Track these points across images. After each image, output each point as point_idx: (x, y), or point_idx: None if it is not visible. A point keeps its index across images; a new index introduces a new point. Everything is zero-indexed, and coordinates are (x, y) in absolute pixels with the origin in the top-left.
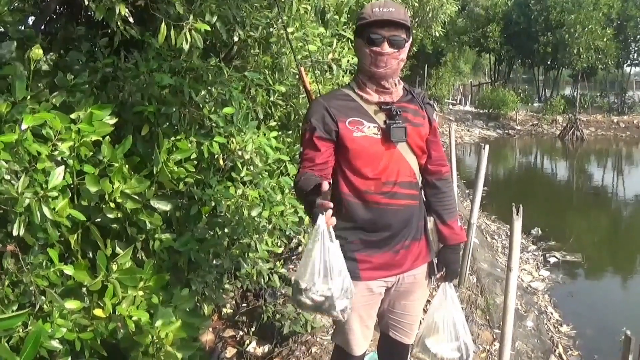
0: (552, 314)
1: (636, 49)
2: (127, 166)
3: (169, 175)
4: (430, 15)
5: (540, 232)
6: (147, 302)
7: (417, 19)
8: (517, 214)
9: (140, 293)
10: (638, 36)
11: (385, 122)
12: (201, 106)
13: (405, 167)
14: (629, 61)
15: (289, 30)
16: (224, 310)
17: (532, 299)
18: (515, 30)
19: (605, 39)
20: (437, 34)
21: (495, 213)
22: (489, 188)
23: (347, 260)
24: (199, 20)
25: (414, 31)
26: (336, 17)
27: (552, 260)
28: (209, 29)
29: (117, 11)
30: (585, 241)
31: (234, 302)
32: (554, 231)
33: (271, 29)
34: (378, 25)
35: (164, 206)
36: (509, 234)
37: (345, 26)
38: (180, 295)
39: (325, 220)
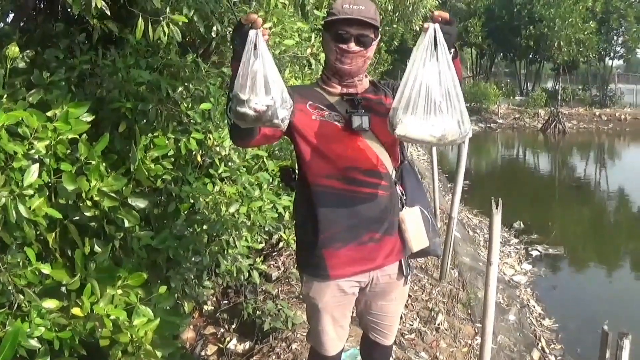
0: (534, 307)
1: (619, 41)
2: (104, 164)
3: (146, 173)
4: (410, 9)
5: (522, 225)
6: (126, 300)
7: (397, 13)
8: (497, 208)
9: (119, 291)
10: (621, 29)
11: (347, 110)
12: (179, 102)
13: (372, 156)
14: (611, 54)
15: (267, 25)
16: (205, 307)
17: (514, 292)
18: (497, 24)
19: (586, 32)
20: (418, 28)
21: (477, 207)
22: (470, 182)
23: (314, 258)
24: (177, 13)
25: (395, 26)
26: (316, 11)
27: (535, 253)
28: (186, 20)
29: (94, 5)
30: (567, 234)
31: (214, 299)
32: (536, 224)
33: None
34: (346, 23)
35: (141, 204)
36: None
37: (324, 21)
38: (159, 293)
39: (258, 28)
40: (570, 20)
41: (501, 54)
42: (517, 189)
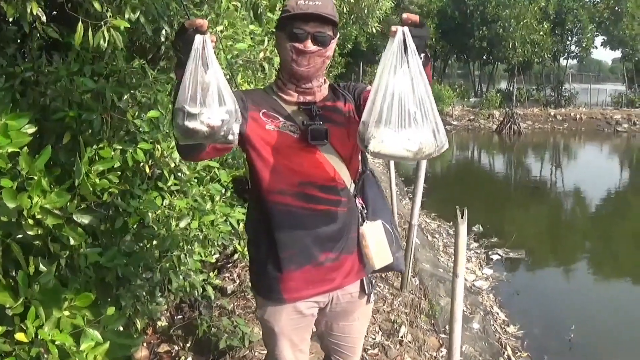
0: (498, 314)
1: (573, 41)
2: (47, 179)
3: (91, 188)
4: (366, 11)
5: (481, 228)
6: (73, 322)
7: (352, 16)
8: (462, 217)
9: (66, 313)
10: (575, 29)
11: (303, 122)
12: (125, 111)
13: (329, 170)
14: (565, 54)
15: (218, 28)
16: (159, 323)
17: (476, 299)
18: (450, 25)
19: (541, 33)
20: (373, 31)
21: (434, 210)
22: (427, 185)
23: (267, 280)
24: (119, 17)
25: (349, 28)
26: (270, 14)
27: (495, 257)
28: (128, 25)
29: (29, 10)
30: (527, 237)
31: (168, 314)
32: (495, 227)
33: None
34: (302, 20)
35: (87, 220)
36: (450, 233)
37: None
38: (108, 314)
39: (204, 33)
40: (525, 21)
41: (454, 56)
42: (475, 192)
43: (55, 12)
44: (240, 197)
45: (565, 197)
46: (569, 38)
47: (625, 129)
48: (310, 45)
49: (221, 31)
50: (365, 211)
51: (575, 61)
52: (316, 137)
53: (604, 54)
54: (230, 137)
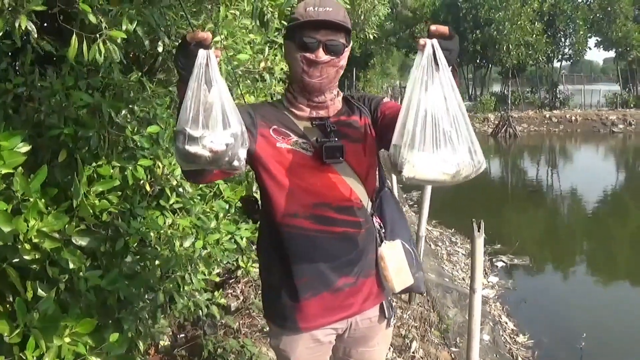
0: (506, 323)
1: (567, 43)
2: (43, 200)
3: (90, 210)
4: (362, 17)
5: (484, 235)
6: (75, 350)
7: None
8: (479, 231)
9: (67, 340)
10: (569, 30)
11: (317, 139)
12: (123, 126)
13: (345, 190)
14: (559, 56)
15: (217, 38)
16: (161, 342)
17: (484, 308)
18: None
19: (535, 34)
20: (369, 37)
21: (435, 217)
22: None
23: (281, 308)
24: (115, 29)
25: None
26: (278, 21)
27: (500, 264)
28: (125, 36)
29: (17, 25)
30: (531, 242)
31: (171, 332)
32: (497, 234)
33: None
34: (312, 28)
35: (87, 242)
36: (453, 240)
37: (277, 32)
38: (111, 341)
39: (208, 47)
40: (519, 23)
41: None
42: (475, 197)
43: (46, 25)
44: (250, 218)
45: (565, 201)
46: (562, 39)
47: (621, 130)
48: (322, 55)
49: (217, 41)
50: (384, 231)
51: (568, 63)
52: (331, 155)
53: (595, 55)
54: (235, 162)
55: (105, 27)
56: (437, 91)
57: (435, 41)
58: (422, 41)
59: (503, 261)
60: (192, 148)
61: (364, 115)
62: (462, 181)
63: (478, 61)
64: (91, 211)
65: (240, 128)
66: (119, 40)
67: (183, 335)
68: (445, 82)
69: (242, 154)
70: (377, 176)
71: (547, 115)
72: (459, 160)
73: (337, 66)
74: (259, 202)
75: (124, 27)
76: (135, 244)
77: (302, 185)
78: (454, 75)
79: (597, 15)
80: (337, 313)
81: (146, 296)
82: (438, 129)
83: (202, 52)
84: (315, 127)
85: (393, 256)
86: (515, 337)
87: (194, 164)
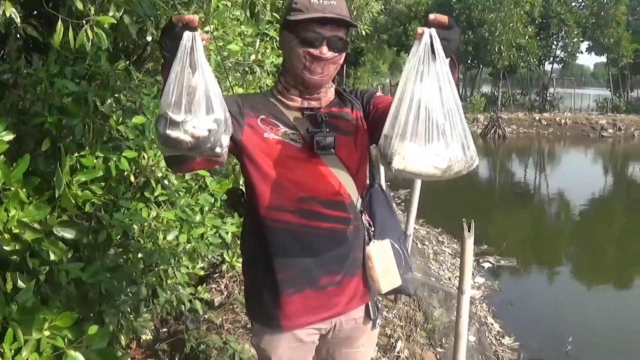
0: (492, 325)
1: (559, 46)
2: (24, 190)
3: (73, 201)
4: (355, 13)
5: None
6: (54, 344)
7: None
8: (469, 231)
9: (46, 333)
10: (561, 33)
11: (308, 130)
12: (108, 116)
13: (334, 183)
14: (551, 58)
15: (207, 29)
16: (143, 337)
17: (470, 309)
18: None
19: (527, 37)
20: (361, 33)
21: (421, 216)
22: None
23: (264, 305)
24: (102, 15)
25: None
26: (270, 13)
27: (487, 265)
28: (114, 21)
29: (2, 12)
30: (518, 244)
31: (153, 327)
32: (484, 234)
33: None
34: (318, 22)
35: (69, 234)
36: (440, 239)
37: (268, 25)
38: (90, 334)
39: (194, 30)
40: (511, 24)
41: None
42: (462, 197)
43: (35, 13)
44: (234, 210)
45: (552, 203)
46: (555, 42)
47: (611, 134)
48: (326, 52)
49: (207, 31)
50: (373, 229)
51: (559, 66)
52: (323, 147)
53: (586, 59)
54: (217, 149)
55: (93, 13)
56: (433, 82)
57: (433, 30)
58: (420, 29)
59: (490, 262)
60: (173, 132)
61: (356, 108)
62: (452, 177)
63: (469, 62)
64: (74, 202)
65: (224, 114)
66: (106, 26)
67: (165, 329)
68: (442, 74)
69: (225, 140)
70: (368, 172)
71: (537, 118)
72: (452, 154)
73: (338, 63)
74: (244, 194)
75: (111, 14)
76: (119, 236)
77: (290, 177)
78: (453, 68)
79: (590, 20)
80: (321, 312)
81: (128, 290)
82: (431, 121)
83: (187, 34)
84: (306, 117)
85: (381, 256)
86: (501, 338)
87: (175, 150)
